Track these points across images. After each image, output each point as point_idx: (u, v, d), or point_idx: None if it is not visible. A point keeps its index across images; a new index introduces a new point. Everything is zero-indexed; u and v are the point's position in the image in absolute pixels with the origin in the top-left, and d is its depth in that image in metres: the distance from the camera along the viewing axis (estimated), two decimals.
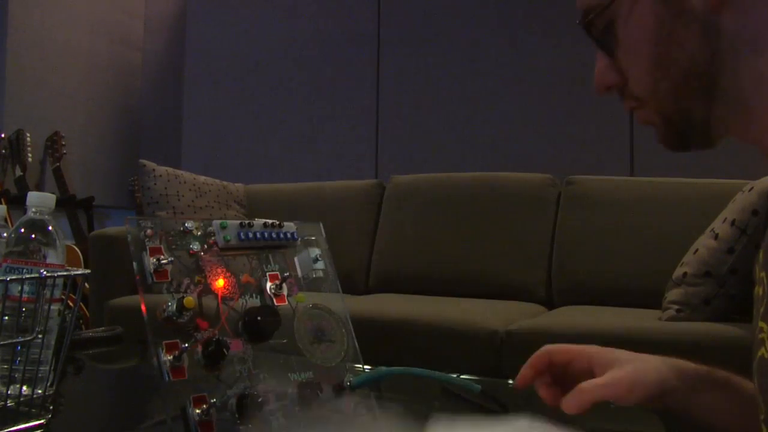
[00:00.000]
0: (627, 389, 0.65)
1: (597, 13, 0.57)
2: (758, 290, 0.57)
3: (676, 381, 0.67)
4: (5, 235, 0.91)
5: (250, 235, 0.74)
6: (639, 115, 0.60)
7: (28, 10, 3.53)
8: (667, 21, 0.54)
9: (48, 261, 0.86)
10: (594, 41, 0.60)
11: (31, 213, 0.87)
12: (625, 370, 0.66)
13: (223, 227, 0.73)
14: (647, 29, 0.55)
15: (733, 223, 1.75)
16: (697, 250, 1.82)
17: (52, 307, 0.86)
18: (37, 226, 0.87)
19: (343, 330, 0.80)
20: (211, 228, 0.73)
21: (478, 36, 3.03)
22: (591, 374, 0.69)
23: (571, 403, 0.65)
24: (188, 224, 0.71)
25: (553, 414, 0.69)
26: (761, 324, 0.55)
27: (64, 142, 3.59)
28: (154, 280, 0.66)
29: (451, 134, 3.06)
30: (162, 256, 0.66)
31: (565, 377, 0.73)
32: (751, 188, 1.78)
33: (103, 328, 1.41)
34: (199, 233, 0.72)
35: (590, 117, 2.75)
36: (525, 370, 0.73)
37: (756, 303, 0.58)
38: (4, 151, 3.44)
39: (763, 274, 0.56)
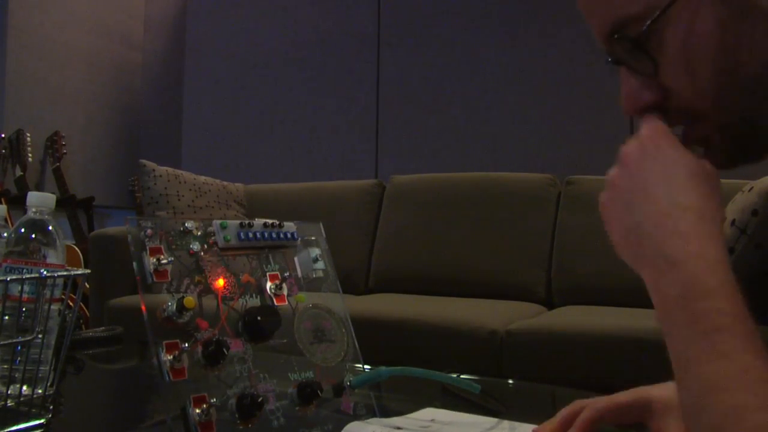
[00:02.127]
0: None
1: (641, 22, 0.50)
2: None
3: None
4: (5, 235, 0.91)
5: (250, 235, 0.74)
6: (692, 133, 0.53)
7: (28, 10, 3.53)
8: (732, 23, 0.48)
9: (48, 261, 0.86)
10: (625, 56, 0.52)
11: (31, 213, 0.87)
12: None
13: (223, 227, 0.73)
14: (709, 35, 0.48)
15: (732, 223, 1.75)
16: None
17: (52, 307, 0.86)
18: (37, 226, 0.87)
19: (343, 330, 0.80)
20: (211, 228, 0.73)
21: (478, 36, 3.03)
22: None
23: None
24: (188, 224, 0.71)
25: (551, 414, 0.69)
26: None
27: (64, 142, 3.59)
28: (154, 280, 0.66)
29: (451, 134, 3.05)
30: (162, 256, 0.66)
31: None
32: (751, 188, 1.78)
33: (103, 328, 1.41)
34: (199, 233, 0.72)
35: (590, 117, 2.75)
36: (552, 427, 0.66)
37: None
38: (4, 151, 3.44)
39: None
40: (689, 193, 0.48)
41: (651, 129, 0.52)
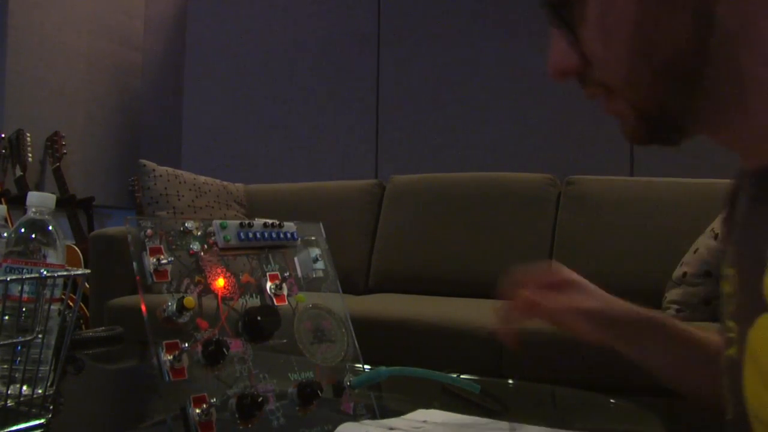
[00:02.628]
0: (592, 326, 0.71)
1: None
2: (725, 287, 0.56)
3: (625, 324, 0.73)
4: (5, 235, 0.91)
5: (250, 235, 0.75)
6: (606, 105, 0.54)
7: (28, 10, 3.53)
8: (653, 6, 0.48)
9: (48, 261, 0.86)
10: (554, 17, 0.53)
11: (31, 213, 0.87)
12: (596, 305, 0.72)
13: (223, 227, 0.73)
14: (629, 11, 0.49)
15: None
16: (696, 249, 1.82)
17: (52, 307, 0.86)
18: (37, 226, 0.87)
19: (343, 330, 0.80)
20: (211, 228, 0.73)
21: (478, 36, 3.03)
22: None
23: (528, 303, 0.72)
24: (188, 224, 0.71)
25: (551, 414, 0.69)
26: (730, 323, 0.54)
27: (64, 142, 3.59)
28: (154, 280, 0.66)
29: (451, 134, 3.06)
30: (162, 256, 0.66)
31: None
32: None
33: (103, 328, 1.41)
34: (199, 233, 0.72)
35: (590, 117, 2.75)
36: (509, 286, 0.75)
37: (724, 301, 0.57)
38: (4, 151, 3.44)
39: (731, 270, 0.55)
40: None
41: None
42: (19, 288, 0.82)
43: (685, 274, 1.80)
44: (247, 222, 0.75)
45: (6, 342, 0.82)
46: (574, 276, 0.77)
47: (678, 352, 0.72)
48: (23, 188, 3.38)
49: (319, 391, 0.73)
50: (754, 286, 0.47)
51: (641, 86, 0.51)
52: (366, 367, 0.80)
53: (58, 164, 3.56)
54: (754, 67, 0.48)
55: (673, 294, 1.81)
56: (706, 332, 0.73)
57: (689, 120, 0.52)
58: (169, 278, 0.67)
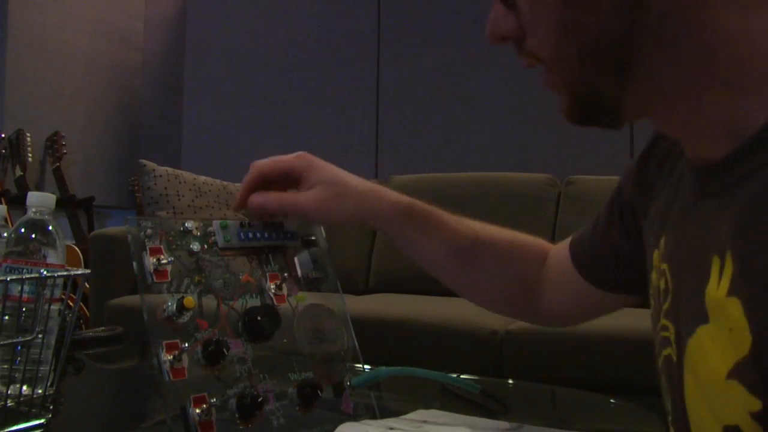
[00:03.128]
0: (319, 212, 0.72)
1: None
2: (659, 282, 0.54)
3: (381, 209, 0.75)
4: (5, 235, 0.91)
5: (251, 235, 0.74)
6: (544, 78, 0.52)
7: (28, 10, 3.53)
8: None
9: (48, 261, 0.86)
10: None
11: (31, 213, 0.87)
12: (324, 195, 0.72)
13: (224, 227, 0.73)
14: None
15: None
16: None
17: (52, 307, 0.86)
18: (37, 226, 0.87)
19: (343, 330, 0.80)
20: (211, 228, 0.73)
21: (478, 36, 3.02)
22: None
23: (255, 198, 0.71)
24: (188, 224, 0.71)
25: (548, 413, 0.69)
26: (665, 322, 0.53)
27: (64, 142, 3.59)
28: (154, 280, 0.66)
29: (451, 134, 3.06)
30: (162, 256, 0.66)
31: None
32: None
33: (103, 328, 1.41)
34: (199, 233, 0.71)
35: None
36: (240, 194, 0.74)
37: (656, 298, 0.55)
38: (4, 151, 3.44)
39: (665, 265, 0.53)
40: None
41: None
42: (19, 288, 0.82)
43: None
44: (247, 222, 0.75)
45: (6, 342, 0.82)
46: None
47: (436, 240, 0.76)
48: (23, 188, 3.38)
49: (319, 391, 0.73)
50: (694, 292, 0.45)
51: (568, 65, 0.49)
52: (366, 367, 0.80)
53: (58, 164, 3.56)
54: (707, 55, 0.45)
55: None
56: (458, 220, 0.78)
57: (625, 103, 0.49)
58: (169, 278, 0.67)
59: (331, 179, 0.74)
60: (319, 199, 0.72)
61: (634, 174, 0.64)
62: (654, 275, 0.56)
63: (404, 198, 0.77)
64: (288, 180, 0.75)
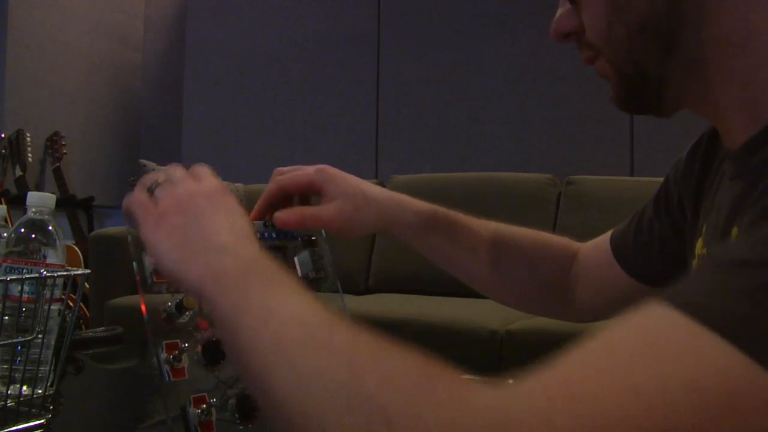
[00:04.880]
0: (341, 226, 0.72)
1: None
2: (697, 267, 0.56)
3: (404, 219, 0.75)
4: (5, 235, 0.91)
5: None
6: (596, 66, 0.55)
7: (28, 10, 3.53)
8: None
9: (48, 261, 0.86)
10: None
11: (31, 213, 0.87)
12: (345, 208, 0.72)
13: None
14: None
15: None
16: None
17: (52, 307, 0.86)
18: (37, 226, 0.87)
19: None
20: None
21: (478, 36, 3.03)
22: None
23: (278, 215, 0.70)
24: None
25: None
26: None
27: (64, 142, 3.59)
28: (154, 280, 0.66)
29: (451, 134, 3.06)
30: None
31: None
32: None
33: (103, 328, 1.41)
34: None
35: (590, 117, 2.75)
36: (259, 205, 0.74)
37: None
38: (4, 151, 3.44)
39: (704, 250, 0.55)
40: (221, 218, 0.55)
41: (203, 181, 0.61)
42: (19, 288, 0.82)
43: None
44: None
45: (6, 342, 0.82)
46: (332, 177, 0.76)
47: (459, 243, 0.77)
48: (23, 188, 3.38)
49: None
50: None
51: (618, 45, 0.51)
52: None
53: (58, 164, 3.56)
54: (743, 33, 0.47)
55: None
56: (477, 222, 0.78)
57: (670, 87, 0.51)
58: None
59: (351, 192, 0.74)
60: (340, 213, 0.72)
61: (682, 169, 0.66)
62: (695, 262, 0.57)
63: (426, 205, 0.77)
64: (308, 192, 0.76)
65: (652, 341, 0.33)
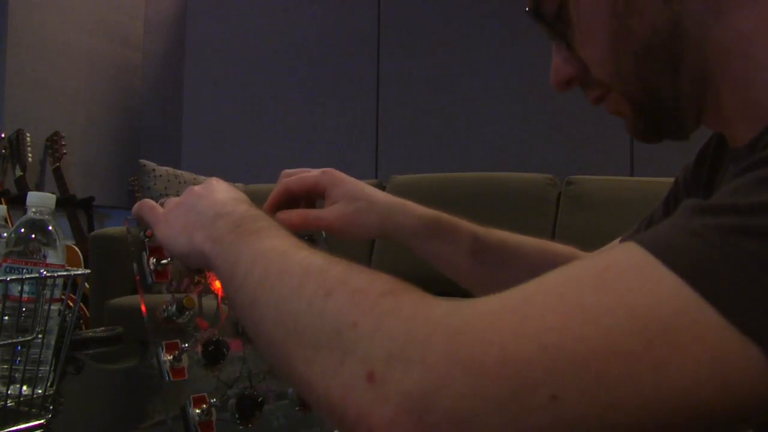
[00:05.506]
0: (343, 227, 0.72)
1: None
2: None
3: (407, 224, 0.75)
4: (5, 235, 0.91)
5: None
6: (607, 104, 0.54)
7: (28, 10, 3.53)
8: None
9: (48, 261, 0.86)
10: (548, 31, 0.54)
11: (31, 213, 0.87)
12: (347, 210, 0.72)
13: None
14: (600, 2, 0.50)
15: None
16: None
17: (52, 307, 0.86)
18: (37, 226, 0.87)
19: None
20: None
21: (478, 36, 3.03)
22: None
23: (281, 216, 0.71)
24: None
25: None
26: None
27: (64, 142, 3.59)
28: (154, 280, 0.66)
29: (451, 134, 3.06)
30: (162, 256, 0.66)
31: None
32: None
33: (103, 328, 1.41)
34: None
35: (590, 117, 2.75)
36: (265, 208, 0.74)
37: None
38: (4, 151, 3.44)
39: None
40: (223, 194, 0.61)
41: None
42: (19, 288, 0.82)
43: None
44: None
45: (6, 342, 0.82)
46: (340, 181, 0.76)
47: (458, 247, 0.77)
48: (23, 188, 3.38)
49: None
50: None
51: (629, 75, 0.51)
52: None
53: (58, 164, 3.56)
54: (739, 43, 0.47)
55: None
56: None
57: (684, 106, 0.51)
58: (169, 278, 0.67)
59: (355, 194, 0.74)
60: (342, 214, 0.72)
61: (691, 172, 0.66)
62: None
63: (430, 211, 0.78)
64: (313, 194, 0.76)
65: (607, 268, 0.35)
